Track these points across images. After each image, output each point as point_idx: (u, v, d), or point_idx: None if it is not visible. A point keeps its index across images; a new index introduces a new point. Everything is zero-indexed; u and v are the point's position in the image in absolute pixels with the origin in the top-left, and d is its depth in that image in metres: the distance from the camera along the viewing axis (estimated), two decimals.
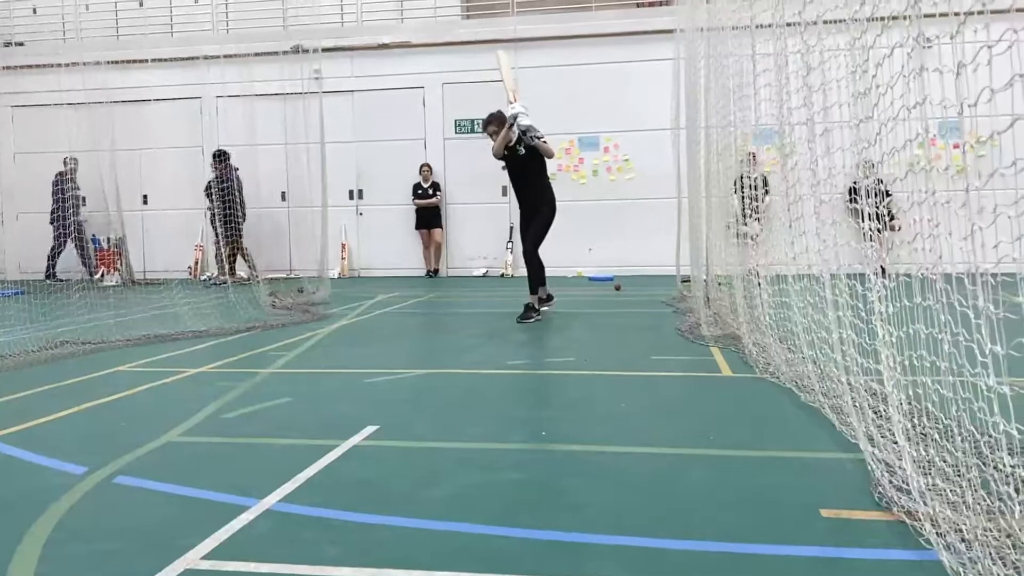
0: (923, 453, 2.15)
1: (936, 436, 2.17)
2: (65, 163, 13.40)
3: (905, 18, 1.88)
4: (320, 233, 10.81)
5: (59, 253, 13.50)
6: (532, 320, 7.41)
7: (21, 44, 15.29)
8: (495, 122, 7.52)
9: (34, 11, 15.37)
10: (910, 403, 2.35)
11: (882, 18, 2.27)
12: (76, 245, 13.42)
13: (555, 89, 13.42)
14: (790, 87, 3.39)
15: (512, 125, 7.20)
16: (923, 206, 1.86)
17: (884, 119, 2.26)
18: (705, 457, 3.23)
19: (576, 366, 5.31)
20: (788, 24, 3.44)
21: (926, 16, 1.92)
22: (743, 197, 6.37)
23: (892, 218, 6.94)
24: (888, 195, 3.86)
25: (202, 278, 13.87)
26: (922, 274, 1.95)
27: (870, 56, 2.24)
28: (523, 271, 13.31)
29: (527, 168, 7.49)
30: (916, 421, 2.36)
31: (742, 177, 6.47)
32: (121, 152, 13.84)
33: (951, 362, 1.87)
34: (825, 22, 2.86)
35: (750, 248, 6.36)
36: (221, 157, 12.77)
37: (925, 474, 2.13)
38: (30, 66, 14.26)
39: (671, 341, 6.24)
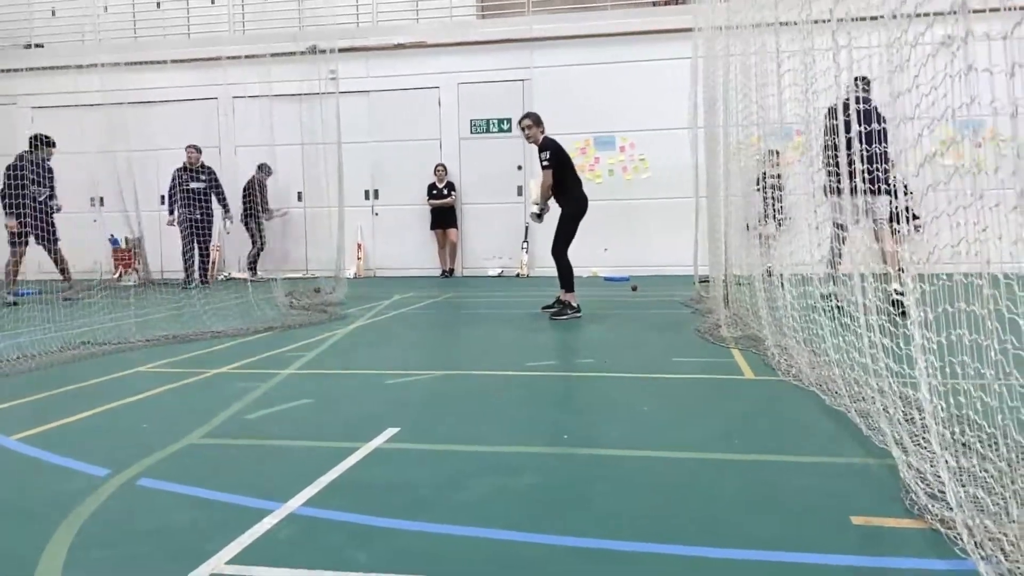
0: (964, 462, 2.10)
1: (979, 445, 2.12)
2: (187, 152, 12.47)
3: (954, 13, 1.84)
4: (336, 233, 10.84)
5: (190, 255, 12.22)
6: (567, 317, 7.59)
7: (40, 46, 15.44)
8: (528, 119, 7.98)
9: (53, 13, 15.51)
10: (947, 411, 2.30)
11: (925, 14, 2.22)
12: (197, 242, 12.29)
13: (570, 88, 13.42)
14: (818, 86, 3.34)
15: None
16: (969, 209, 1.82)
17: (926, 118, 2.22)
18: (730, 462, 3.19)
19: (596, 368, 5.27)
20: (815, 21, 3.40)
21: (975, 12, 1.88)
22: (764, 197, 6.31)
23: (915, 217, 6.84)
24: (908, 194, 3.79)
25: (220, 277, 13.94)
26: (967, 278, 1.91)
27: (910, 54, 2.19)
28: (538, 271, 13.44)
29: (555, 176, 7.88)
30: (956, 429, 2.31)
31: (764, 176, 6.40)
32: (138, 153, 13.92)
33: (998, 369, 1.83)
34: (854, 19, 2.81)
35: (764, 248, 6.31)
36: (38, 143, 10.53)
37: (963, 483, 2.08)
38: (49, 67, 14.39)
39: (691, 342, 6.19)
